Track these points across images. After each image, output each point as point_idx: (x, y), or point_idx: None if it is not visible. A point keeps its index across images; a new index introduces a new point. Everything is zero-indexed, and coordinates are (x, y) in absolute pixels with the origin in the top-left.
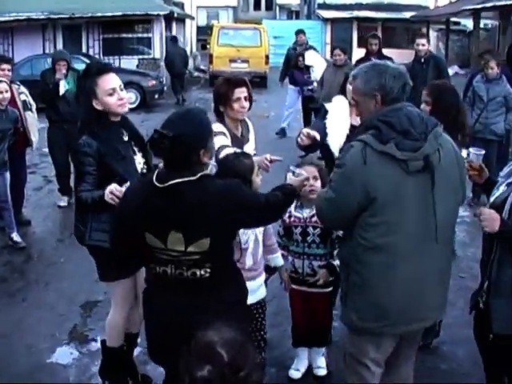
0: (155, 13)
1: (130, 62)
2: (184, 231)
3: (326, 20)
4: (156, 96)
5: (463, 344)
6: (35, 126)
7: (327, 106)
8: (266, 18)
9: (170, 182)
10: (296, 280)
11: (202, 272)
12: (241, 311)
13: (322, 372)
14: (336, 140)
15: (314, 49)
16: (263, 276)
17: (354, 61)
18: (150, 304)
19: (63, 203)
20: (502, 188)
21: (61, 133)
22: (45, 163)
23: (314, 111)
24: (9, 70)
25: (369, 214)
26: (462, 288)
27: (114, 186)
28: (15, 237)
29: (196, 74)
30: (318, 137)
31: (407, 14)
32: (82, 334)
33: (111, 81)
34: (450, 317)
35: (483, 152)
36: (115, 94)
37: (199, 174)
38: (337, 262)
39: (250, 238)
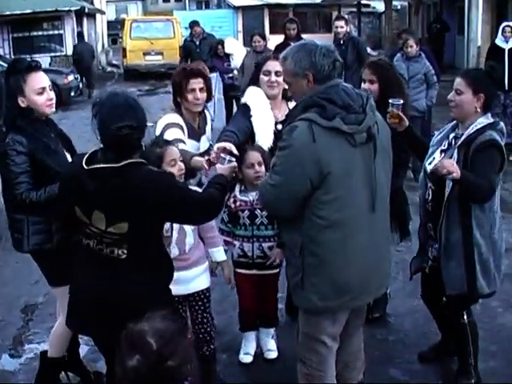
0: (66, 9)
1: (42, 61)
2: (105, 212)
3: (237, 8)
4: (72, 93)
5: (408, 315)
6: None
7: (248, 101)
8: (176, 9)
9: (95, 166)
10: (245, 264)
11: (120, 252)
12: (161, 297)
13: (273, 355)
14: (266, 139)
15: (213, 37)
16: (202, 267)
17: (271, 47)
18: (75, 272)
19: None
20: (438, 155)
21: None
22: None
23: (235, 99)
24: None
25: (322, 191)
26: (400, 261)
27: None
28: None
29: (109, 69)
30: (234, 150)
31: None
32: (27, 338)
33: (41, 80)
34: (393, 290)
35: (401, 102)
36: (45, 94)
37: (124, 162)
38: None
39: (174, 227)
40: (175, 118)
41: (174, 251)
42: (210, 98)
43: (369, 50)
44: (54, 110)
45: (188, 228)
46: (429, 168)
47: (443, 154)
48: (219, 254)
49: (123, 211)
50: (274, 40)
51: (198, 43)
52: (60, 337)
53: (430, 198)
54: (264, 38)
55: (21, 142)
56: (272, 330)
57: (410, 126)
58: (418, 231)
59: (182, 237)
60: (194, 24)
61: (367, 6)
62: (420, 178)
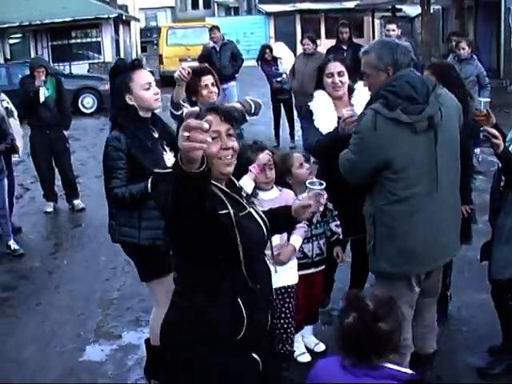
0: (105, 16)
1: (80, 67)
2: None
3: (268, 14)
4: None
5: (477, 308)
6: (19, 132)
7: (311, 106)
8: (206, 16)
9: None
10: (304, 265)
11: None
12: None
13: (323, 346)
14: None
15: (233, 44)
16: (293, 262)
17: (322, 51)
18: None
19: (49, 209)
20: None
21: (43, 138)
22: (17, 172)
23: (283, 102)
24: None
25: (389, 171)
26: (462, 257)
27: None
28: (13, 244)
29: None
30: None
31: (347, 4)
32: (107, 331)
33: (146, 75)
34: (460, 285)
35: (488, 100)
36: (151, 89)
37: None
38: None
39: None
40: None
41: (274, 241)
42: (219, 92)
43: None
44: (160, 104)
45: None
46: None
47: None
48: (298, 239)
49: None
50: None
51: (218, 49)
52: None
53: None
54: (314, 40)
55: (119, 139)
56: (311, 327)
57: (497, 124)
58: (488, 218)
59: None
60: (213, 28)
61: (399, 10)
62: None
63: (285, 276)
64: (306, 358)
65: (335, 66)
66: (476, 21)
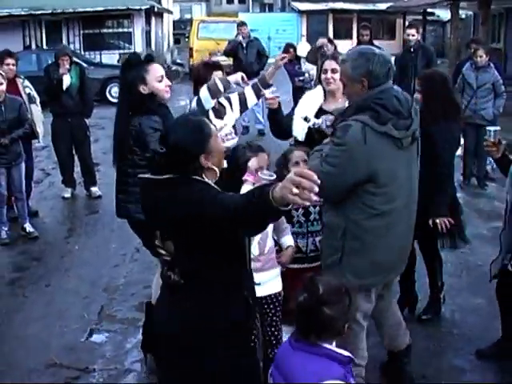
0: (137, 7)
1: (110, 57)
2: (159, 230)
3: (301, 12)
4: None
5: (471, 312)
6: (40, 118)
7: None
8: (240, 12)
9: (154, 177)
10: (298, 260)
11: (175, 277)
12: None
13: None
14: (297, 130)
15: (259, 41)
16: (276, 270)
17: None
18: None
19: (67, 194)
20: None
21: (65, 125)
22: (40, 157)
23: None
24: (13, 65)
25: (372, 185)
26: (464, 262)
27: None
28: (28, 227)
29: (174, 67)
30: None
31: (381, 6)
32: (110, 315)
33: (160, 69)
34: (457, 288)
35: (498, 128)
36: (164, 81)
37: (167, 176)
38: None
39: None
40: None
41: (253, 251)
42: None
43: None
44: (169, 95)
45: (269, 229)
46: None
47: None
48: (290, 238)
49: (168, 227)
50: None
51: (244, 45)
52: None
53: None
54: (332, 42)
55: (157, 121)
56: None
57: (505, 152)
58: (499, 235)
59: (264, 236)
60: (242, 24)
61: (432, 14)
62: (507, 185)
63: (270, 285)
64: None
65: (330, 64)
66: (506, 27)
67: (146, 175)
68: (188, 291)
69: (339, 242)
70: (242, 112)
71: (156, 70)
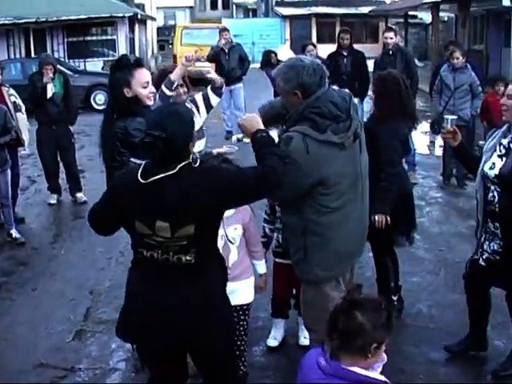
0: (120, 15)
1: (95, 65)
2: (169, 221)
3: (284, 17)
4: None
5: (449, 308)
6: (26, 126)
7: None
8: (223, 17)
9: (152, 179)
10: (281, 254)
11: (188, 257)
12: (226, 296)
13: (307, 342)
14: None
15: (240, 46)
16: (245, 281)
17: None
18: (132, 286)
19: (53, 201)
20: (498, 161)
21: (50, 133)
22: (26, 165)
23: None
24: None
25: (321, 188)
26: (443, 260)
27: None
28: (14, 233)
29: None
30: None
31: (363, 9)
32: (96, 316)
33: (146, 74)
34: (435, 285)
35: (456, 117)
36: (148, 87)
37: (178, 167)
38: None
39: (219, 244)
40: None
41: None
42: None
43: (415, 60)
44: (152, 102)
45: (233, 246)
46: (492, 173)
47: (505, 159)
48: (261, 266)
49: (188, 215)
50: (321, 49)
51: (226, 51)
52: None
53: (495, 199)
54: (315, 46)
55: (141, 122)
56: None
57: (462, 141)
58: (475, 231)
59: (226, 253)
60: (223, 30)
61: (414, 17)
62: (477, 183)
63: (242, 294)
64: (273, 343)
65: None
66: (488, 29)
67: (157, 176)
68: (201, 269)
69: (300, 240)
70: (208, 112)
71: (142, 76)
